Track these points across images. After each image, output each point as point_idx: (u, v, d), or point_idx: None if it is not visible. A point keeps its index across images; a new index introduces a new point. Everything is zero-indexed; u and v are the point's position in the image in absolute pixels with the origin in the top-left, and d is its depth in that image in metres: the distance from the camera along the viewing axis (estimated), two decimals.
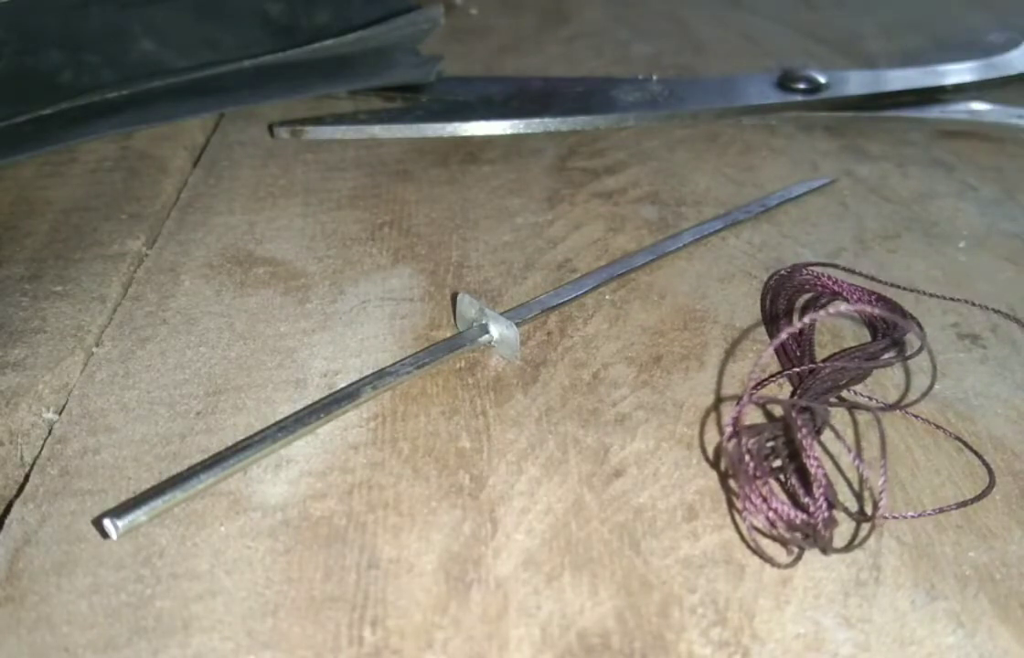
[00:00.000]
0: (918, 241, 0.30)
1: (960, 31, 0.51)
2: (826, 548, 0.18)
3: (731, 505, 0.19)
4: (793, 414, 0.18)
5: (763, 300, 0.26)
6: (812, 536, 0.18)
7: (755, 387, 0.22)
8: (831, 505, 0.18)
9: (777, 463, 0.19)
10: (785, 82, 0.40)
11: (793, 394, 0.22)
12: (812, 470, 0.18)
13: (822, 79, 0.39)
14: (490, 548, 0.18)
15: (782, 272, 0.26)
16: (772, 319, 0.25)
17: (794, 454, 0.18)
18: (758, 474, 0.18)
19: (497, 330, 0.23)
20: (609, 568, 0.18)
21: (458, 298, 0.24)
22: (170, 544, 0.18)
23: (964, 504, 0.19)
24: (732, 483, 0.19)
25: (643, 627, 0.17)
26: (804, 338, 0.24)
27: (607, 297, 0.26)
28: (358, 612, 0.17)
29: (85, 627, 0.17)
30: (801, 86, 0.39)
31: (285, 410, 0.22)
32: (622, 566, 0.18)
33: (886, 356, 0.23)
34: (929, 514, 0.19)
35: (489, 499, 0.19)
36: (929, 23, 0.53)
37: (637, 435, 0.21)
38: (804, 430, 0.18)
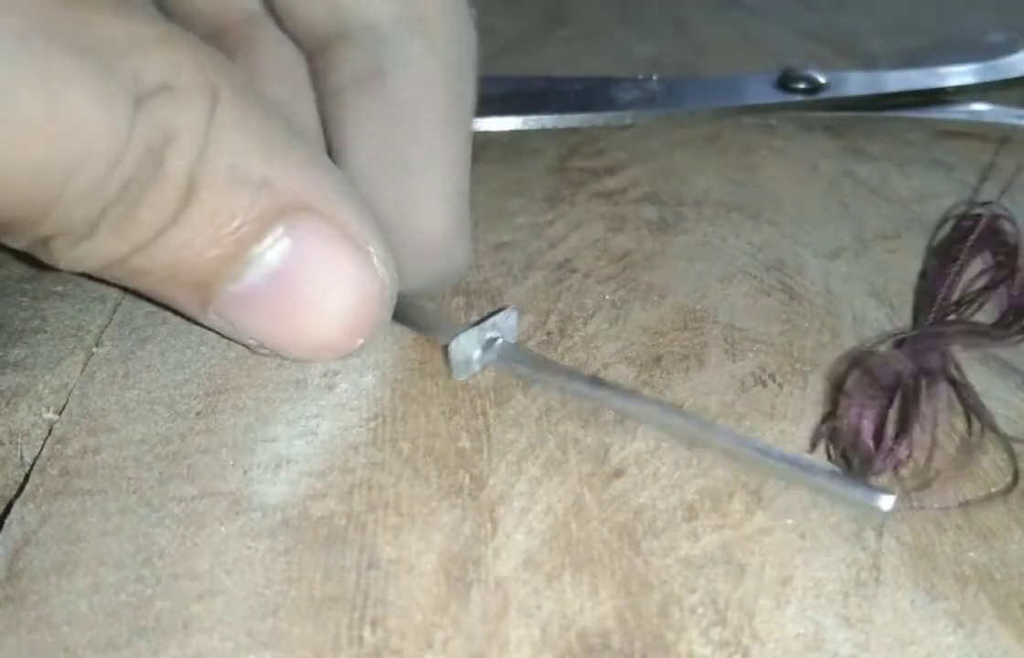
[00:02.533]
0: (918, 241, 0.30)
1: (961, 32, 0.52)
2: (875, 475, 0.19)
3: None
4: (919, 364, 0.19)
5: (944, 243, 0.26)
6: (872, 463, 0.19)
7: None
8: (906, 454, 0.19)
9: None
10: (785, 82, 0.40)
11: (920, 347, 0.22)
12: (916, 414, 0.19)
13: (822, 79, 0.39)
14: (490, 548, 0.18)
15: (978, 215, 0.25)
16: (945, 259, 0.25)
17: (909, 395, 0.19)
18: (872, 393, 0.19)
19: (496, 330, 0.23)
20: (609, 568, 0.18)
21: (451, 349, 0.22)
22: (170, 544, 0.18)
23: (995, 496, 0.20)
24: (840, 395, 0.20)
25: (643, 627, 0.17)
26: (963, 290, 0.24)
27: (607, 297, 0.26)
28: (358, 612, 0.17)
29: (85, 627, 0.17)
30: (801, 86, 0.39)
31: (285, 410, 0.22)
32: (622, 566, 0.18)
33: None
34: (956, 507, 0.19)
35: (489, 499, 0.19)
36: (929, 23, 0.53)
37: (637, 435, 0.21)
38: (926, 378, 0.19)
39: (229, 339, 0.23)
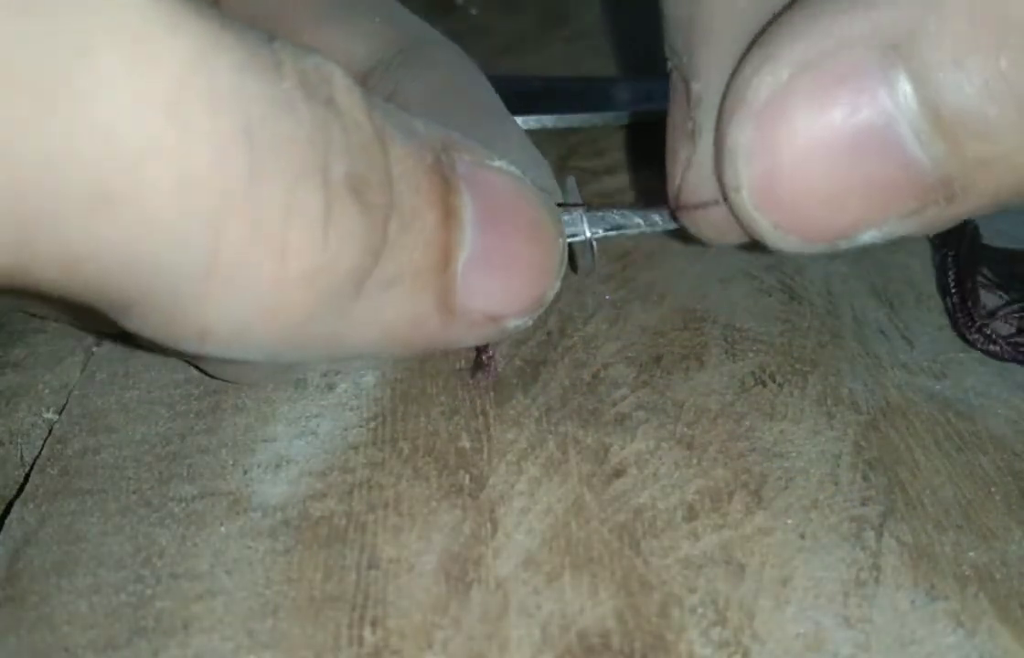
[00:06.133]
0: (918, 241, 0.30)
1: None
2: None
3: None
4: None
5: None
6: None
7: None
8: None
9: None
10: None
11: None
12: None
13: None
14: (490, 548, 0.18)
15: None
16: None
17: None
18: None
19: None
20: (609, 568, 0.18)
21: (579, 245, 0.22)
22: (170, 544, 0.18)
23: None
24: None
25: (643, 627, 0.17)
26: None
27: (607, 297, 0.26)
28: (358, 612, 0.17)
29: (85, 627, 0.17)
30: None
31: (285, 410, 0.22)
32: (622, 566, 0.18)
33: None
34: None
35: (489, 499, 0.19)
36: None
37: (637, 435, 0.21)
38: None
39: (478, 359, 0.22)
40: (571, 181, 0.22)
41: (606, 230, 0.21)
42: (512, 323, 0.19)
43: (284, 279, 0.15)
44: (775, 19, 0.17)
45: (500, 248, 0.18)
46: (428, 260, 0.17)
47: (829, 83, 0.17)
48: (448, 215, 0.17)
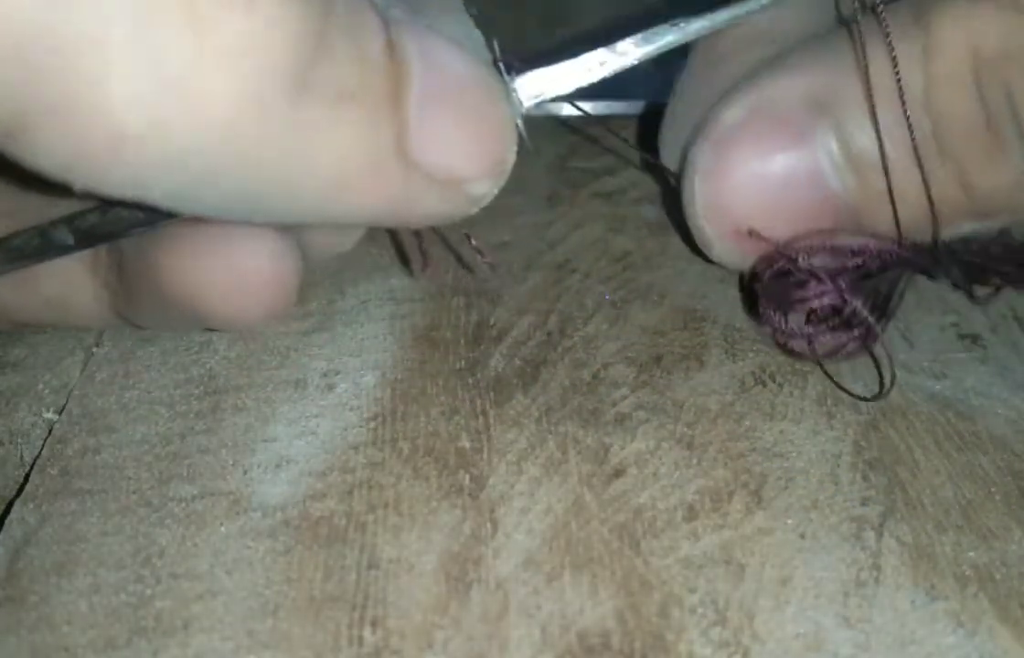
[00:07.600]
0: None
1: None
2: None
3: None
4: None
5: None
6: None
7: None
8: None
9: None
10: None
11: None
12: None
13: None
14: (490, 548, 0.18)
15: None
16: None
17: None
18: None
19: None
20: (609, 568, 0.18)
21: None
22: (170, 544, 0.18)
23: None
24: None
25: (643, 627, 0.17)
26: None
27: (607, 297, 0.26)
28: (358, 612, 0.17)
29: (85, 627, 0.17)
30: None
31: (285, 410, 0.22)
32: (622, 566, 0.18)
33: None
34: None
35: (489, 499, 0.19)
36: None
37: (637, 435, 0.21)
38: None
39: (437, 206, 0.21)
40: (494, 43, 0.22)
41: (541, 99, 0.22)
42: (474, 188, 0.20)
43: (201, 54, 0.12)
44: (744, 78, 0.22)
45: (447, 94, 0.18)
46: (379, 85, 0.16)
47: (771, 125, 0.21)
48: (391, 46, 0.17)
